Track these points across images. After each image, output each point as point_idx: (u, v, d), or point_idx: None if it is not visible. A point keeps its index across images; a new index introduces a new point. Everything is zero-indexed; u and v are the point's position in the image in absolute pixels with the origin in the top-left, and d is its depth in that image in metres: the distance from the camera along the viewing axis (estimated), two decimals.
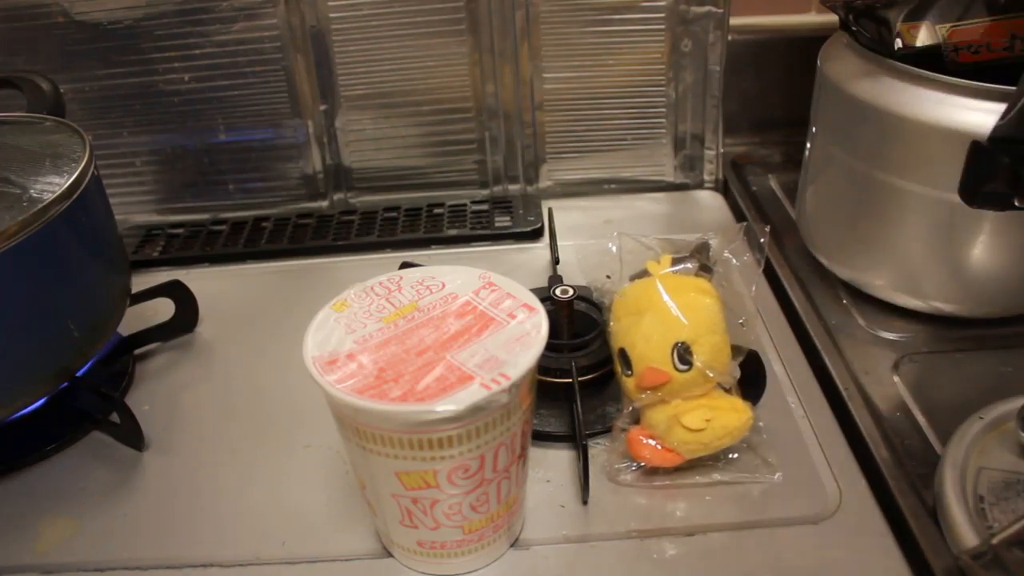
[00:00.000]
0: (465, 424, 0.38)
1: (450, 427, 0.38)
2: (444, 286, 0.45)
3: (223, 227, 0.80)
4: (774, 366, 0.59)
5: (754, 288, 0.52)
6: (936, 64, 0.55)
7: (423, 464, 0.39)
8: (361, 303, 0.44)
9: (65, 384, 0.55)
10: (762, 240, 0.52)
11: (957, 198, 0.50)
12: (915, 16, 0.57)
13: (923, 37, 0.57)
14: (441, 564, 0.45)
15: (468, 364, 0.39)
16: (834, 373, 0.57)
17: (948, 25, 0.57)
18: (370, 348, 0.40)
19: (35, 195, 0.51)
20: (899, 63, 0.56)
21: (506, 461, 0.42)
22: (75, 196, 0.53)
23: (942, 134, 0.53)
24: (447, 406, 0.37)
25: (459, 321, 0.42)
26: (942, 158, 0.53)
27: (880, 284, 0.62)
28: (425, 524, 0.43)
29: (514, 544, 0.48)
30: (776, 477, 0.50)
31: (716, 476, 0.50)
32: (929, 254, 0.58)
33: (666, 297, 0.50)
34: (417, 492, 0.41)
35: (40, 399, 0.55)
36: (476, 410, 0.38)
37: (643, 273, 0.53)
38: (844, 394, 0.56)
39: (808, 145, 0.67)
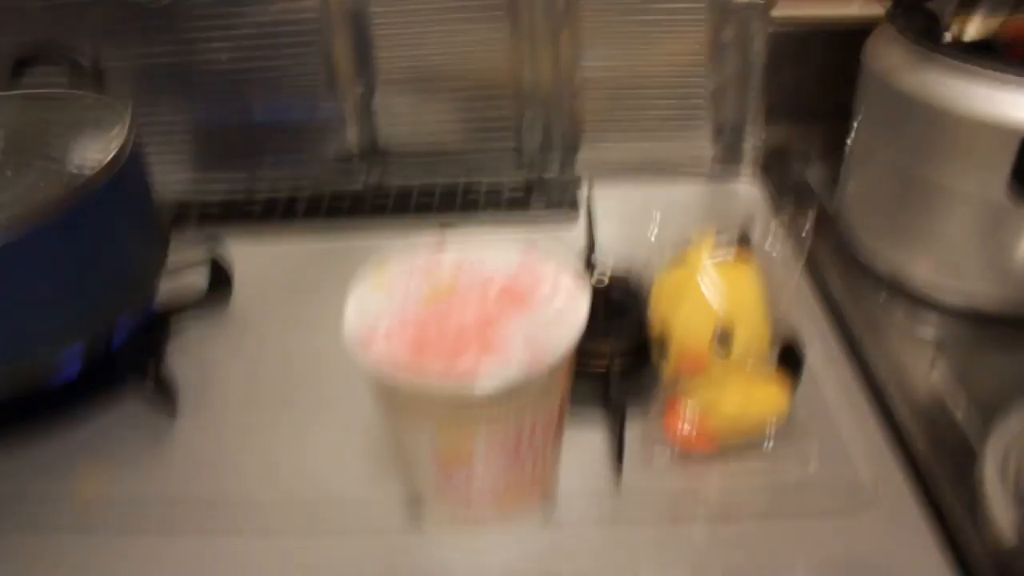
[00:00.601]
0: (503, 402, 0.38)
1: (488, 404, 0.38)
2: (484, 264, 0.45)
3: (258, 202, 0.80)
4: (812, 355, 0.57)
5: (795, 275, 0.52)
6: (985, 57, 0.54)
7: (459, 440, 0.39)
8: (400, 280, 0.44)
9: (103, 351, 0.56)
10: (807, 226, 0.52)
11: (1003, 194, 0.50)
12: (965, 8, 0.57)
13: (974, 30, 0.56)
14: (473, 535, 0.45)
15: (507, 343, 0.39)
16: (872, 365, 0.57)
17: (1001, 17, 0.56)
18: (409, 325, 0.40)
19: (75, 169, 0.52)
20: (947, 56, 0.55)
21: (542, 438, 0.42)
22: (115, 170, 0.54)
23: (991, 128, 0.52)
24: (486, 384, 0.37)
25: (498, 300, 0.42)
26: (990, 153, 0.52)
27: (921, 278, 0.61)
28: (459, 496, 0.43)
29: (546, 521, 0.48)
30: (811, 467, 0.50)
31: (750, 463, 0.50)
32: (971, 250, 0.57)
33: (706, 282, 0.50)
34: (452, 464, 0.41)
35: (79, 366, 0.55)
36: (514, 389, 0.37)
37: (683, 259, 0.52)
38: (881, 386, 0.55)
39: (850, 138, 0.66)
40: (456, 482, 0.42)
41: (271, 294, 0.69)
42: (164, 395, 0.56)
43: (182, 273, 0.65)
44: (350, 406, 0.56)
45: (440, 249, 0.46)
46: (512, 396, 0.38)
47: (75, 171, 0.52)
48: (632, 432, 0.52)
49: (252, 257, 0.73)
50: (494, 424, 0.39)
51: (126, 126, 0.57)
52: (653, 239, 0.54)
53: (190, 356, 0.62)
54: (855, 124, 0.65)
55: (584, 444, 0.53)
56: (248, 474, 0.52)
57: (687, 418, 0.50)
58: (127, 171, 0.55)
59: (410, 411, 0.39)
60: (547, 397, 0.40)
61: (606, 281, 0.56)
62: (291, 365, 0.61)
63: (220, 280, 0.66)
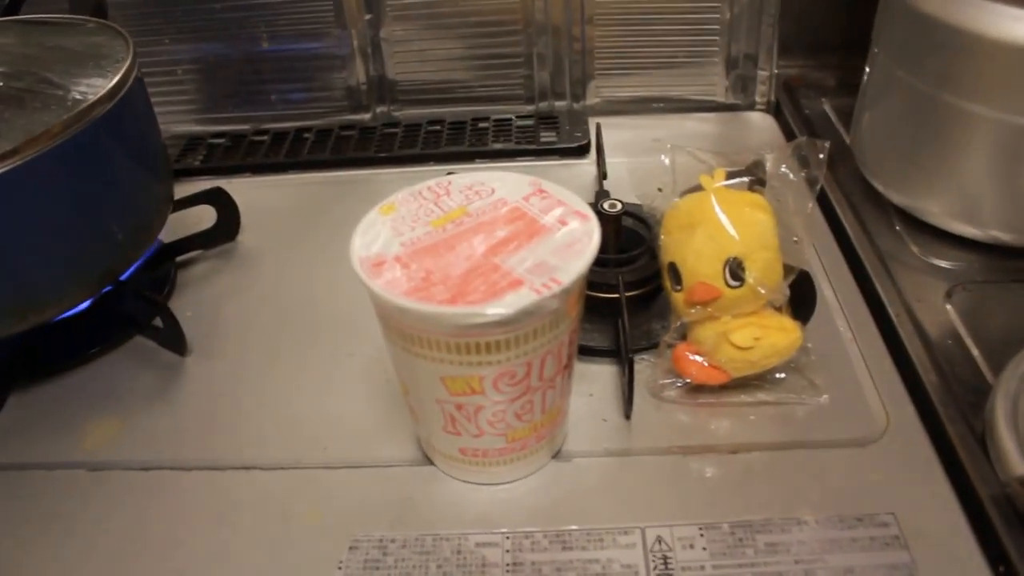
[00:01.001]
0: (513, 329, 0.38)
1: (498, 332, 0.38)
2: (494, 191, 0.44)
3: (265, 137, 0.80)
4: (824, 288, 0.58)
5: (810, 206, 0.51)
6: None
7: (469, 369, 0.39)
8: (409, 207, 0.43)
9: (109, 287, 0.56)
10: (820, 156, 0.51)
11: None
12: None
13: None
14: (483, 472, 0.46)
15: (518, 269, 0.39)
16: (885, 298, 0.56)
17: None
18: (418, 251, 0.40)
19: (78, 96, 0.51)
20: None
21: (552, 370, 0.41)
22: (118, 97, 0.53)
23: (1018, 53, 0.51)
24: (496, 309, 0.37)
25: (509, 227, 0.41)
26: (1016, 79, 0.51)
27: (936, 211, 0.60)
28: (468, 431, 0.43)
29: (556, 455, 0.48)
30: (822, 399, 0.50)
31: (761, 396, 0.50)
32: (991, 180, 0.56)
33: (719, 211, 0.49)
34: (462, 398, 0.41)
35: (85, 301, 0.55)
36: (525, 315, 0.37)
37: (696, 187, 0.52)
38: (894, 319, 0.55)
39: (868, 67, 0.65)
40: (465, 414, 0.42)
41: (278, 229, 0.68)
42: (173, 331, 0.56)
43: (188, 209, 0.65)
44: (360, 338, 0.56)
45: (449, 177, 0.46)
46: (522, 323, 0.38)
47: (78, 98, 0.51)
48: (643, 364, 0.52)
49: (259, 192, 0.73)
50: (504, 352, 0.39)
51: (129, 53, 0.56)
52: (665, 169, 0.53)
53: (199, 292, 0.62)
54: (873, 51, 0.64)
55: (595, 375, 0.53)
56: (260, 409, 0.52)
57: (698, 349, 0.50)
58: (130, 99, 0.54)
59: (418, 339, 0.39)
60: (558, 326, 0.40)
61: (618, 208, 0.55)
62: (300, 300, 0.61)
63: (227, 214, 0.66)
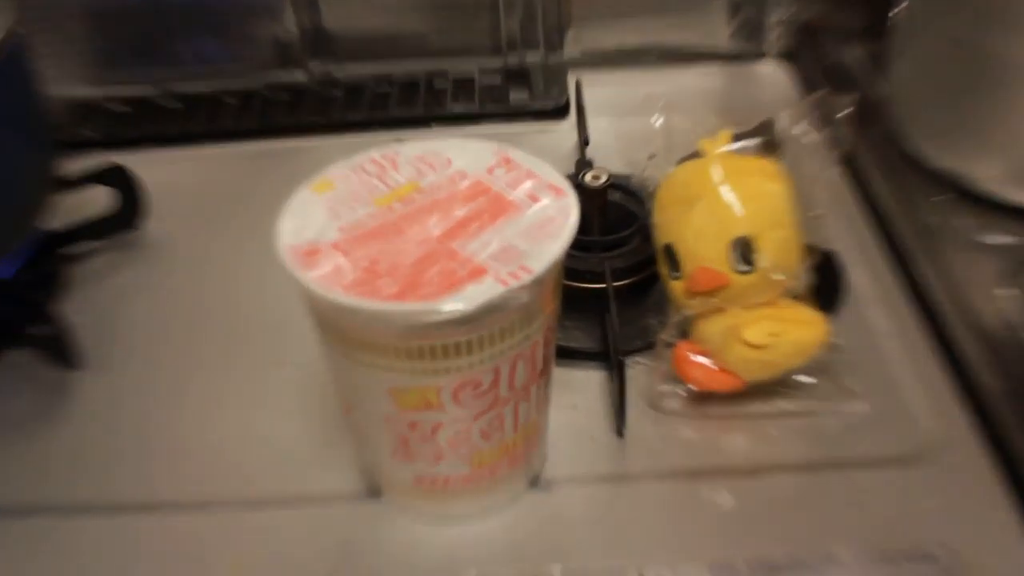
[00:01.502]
0: (476, 328, 0.38)
1: (458, 332, 0.37)
2: (451, 163, 0.44)
3: (176, 102, 0.80)
4: (854, 272, 0.58)
5: (833, 173, 0.51)
6: None
7: (424, 379, 0.39)
8: (348, 183, 0.43)
9: None
10: (845, 113, 0.51)
11: None
12: None
13: None
14: (443, 505, 0.46)
15: (481, 255, 0.38)
16: (927, 283, 0.56)
17: None
18: (360, 236, 0.40)
19: None
20: None
21: (525, 377, 0.41)
22: None
23: None
24: (455, 305, 0.36)
25: (469, 204, 0.41)
26: None
27: (989, 177, 0.60)
28: (424, 455, 0.43)
29: (533, 483, 0.48)
30: (857, 407, 0.50)
31: (782, 405, 0.50)
32: None
33: (723, 182, 0.49)
34: (415, 414, 0.41)
35: None
36: (490, 310, 0.37)
37: (695, 154, 0.52)
38: (940, 308, 0.55)
39: (898, 7, 0.65)
40: (420, 434, 0.41)
41: (192, 214, 0.68)
42: (60, 340, 0.55)
43: (82, 189, 0.64)
44: (292, 345, 0.55)
45: (397, 147, 0.45)
46: (487, 321, 0.37)
47: None
48: (637, 368, 0.52)
49: (167, 169, 0.72)
50: (465, 357, 0.38)
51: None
52: (658, 132, 0.53)
53: (93, 293, 0.62)
54: None
55: (578, 384, 0.53)
56: (170, 435, 0.52)
57: (703, 349, 0.50)
58: (11, 57, 0.53)
59: (361, 344, 0.39)
60: (530, 323, 0.39)
61: (603, 180, 0.55)
62: (220, 300, 0.60)
63: (128, 197, 0.65)
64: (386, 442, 0.43)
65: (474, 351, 0.38)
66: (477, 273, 0.37)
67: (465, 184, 0.42)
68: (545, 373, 0.43)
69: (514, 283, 0.37)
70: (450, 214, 0.41)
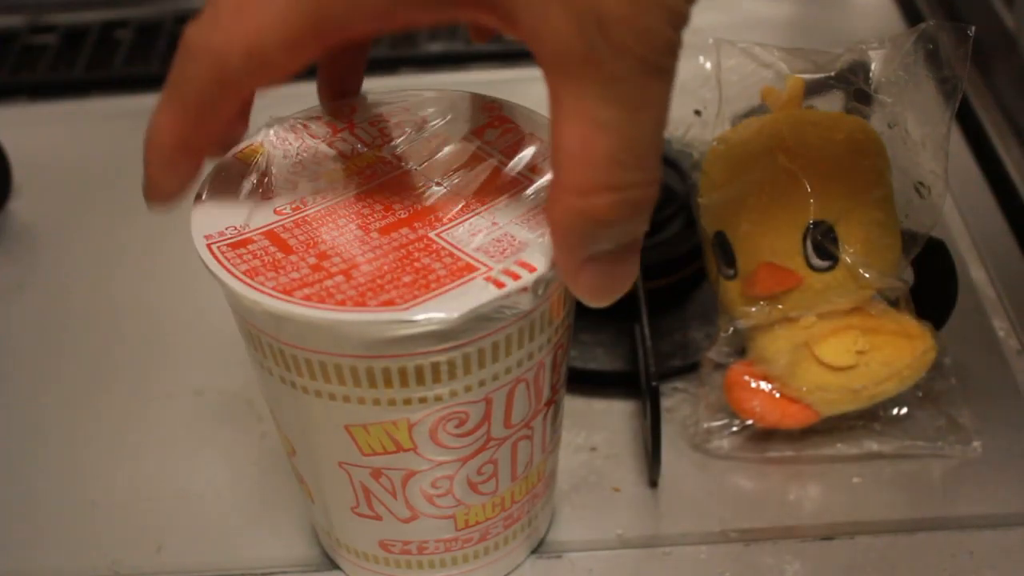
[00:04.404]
0: (461, 345, 0.37)
1: (436, 350, 0.37)
2: (426, 123, 0.44)
3: (49, 37, 0.80)
4: (972, 269, 0.59)
5: (945, 132, 0.51)
6: None
7: (391, 412, 0.39)
8: (286, 149, 0.43)
9: None
10: (963, 51, 0.50)
11: None
12: None
13: None
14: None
15: (467, 247, 0.38)
16: None
17: None
18: (304, 222, 0.40)
19: None
20: None
21: (526, 410, 0.41)
22: None
23: None
24: (432, 313, 0.36)
25: (451, 179, 0.41)
26: None
27: None
28: (394, 512, 0.43)
29: (537, 548, 0.48)
30: (973, 447, 0.50)
31: (872, 445, 0.50)
32: None
33: (794, 152, 0.49)
34: (381, 459, 0.41)
35: None
36: (479, 321, 0.37)
37: (758, 109, 0.52)
38: None
39: None
40: (388, 485, 0.41)
41: (72, 189, 0.68)
42: None
43: None
44: (215, 365, 0.56)
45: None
46: (475, 334, 0.37)
47: None
48: (677, 397, 0.53)
49: (41, 128, 0.73)
50: (446, 383, 0.38)
51: None
52: (706, 79, 0.54)
53: None
54: None
55: (599, 418, 0.53)
56: (49, 486, 0.52)
57: (765, 372, 0.50)
58: None
59: (308, 366, 0.38)
60: (533, 338, 0.40)
61: None
62: (113, 305, 0.61)
63: None
64: (343, 496, 0.43)
65: (458, 375, 0.38)
66: (462, 271, 0.37)
67: (446, 152, 0.42)
68: (553, 404, 0.43)
69: (511, 284, 0.36)
70: (426, 191, 0.40)
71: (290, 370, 0.39)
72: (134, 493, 0.52)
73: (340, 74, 0.44)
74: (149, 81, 0.76)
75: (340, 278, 0.37)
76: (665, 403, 0.51)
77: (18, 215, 0.67)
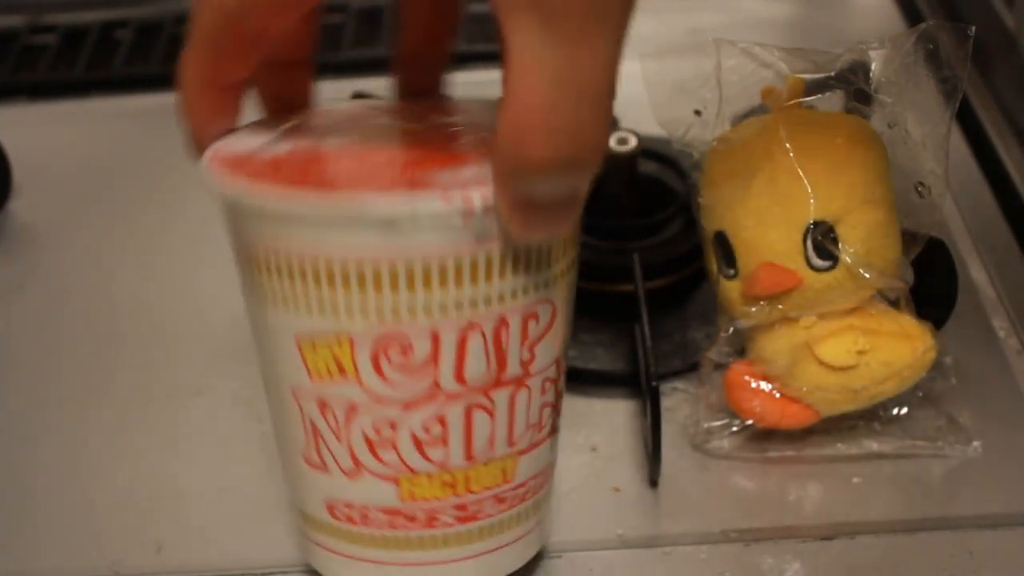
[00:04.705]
0: (402, 250, 0.37)
1: (375, 244, 0.37)
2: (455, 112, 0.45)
3: (49, 37, 0.80)
4: (972, 268, 0.59)
5: (944, 137, 0.51)
6: None
7: (334, 320, 0.39)
8: (336, 116, 0.45)
9: None
10: (964, 56, 0.50)
11: None
12: None
13: None
14: (368, 556, 0.43)
15: (441, 179, 0.38)
16: None
17: None
18: (305, 152, 0.41)
19: None
20: None
21: (482, 370, 0.40)
22: None
23: None
24: (371, 200, 0.36)
25: (462, 140, 0.42)
26: None
27: None
28: (339, 461, 0.41)
29: (536, 544, 0.47)
30: (973, 447, 0.50)
31: (872, 445, 0.50)
32: None
33: (795, 150, 0.49)
34: (326, 385, 0.40)
35: None
36: (413, 224, 0.36)
37: (758, 109, 0.52)
38: None
39: None
40: (332, 421, 0.41)
41: (75, 188, 0.68)
42: None
43: None
44: (215, 366, 0.56)
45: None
46: (413, 242, 0.37)
47: None
48: (677, 396, 0.53)
49: (42, 128, 0.73)
50: (387, 293, 0.38)
51: None
52: (707, 78, 0.53)
53: None
54: None
55: (598, 418, 0.53)
56: (50, 488, 0.52)
57: (766, 372, 0.50)
58: None
59: (266, 264, 0.39)
60: (489, 280, 0.39)
61: (631, 145, 0.55)
62: (114, 305, 0.61)
63: None
64: (296, 439, 0.42)
65: (399, 288, 0.38)
66: (424, 185, 0.37)
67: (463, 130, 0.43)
68: (524, 386, 0.41)
69: (457, 201, 0.36)
70: (434, 145, 0.42)
71: (258, 273, 0.40)
72: (134, 493, 0.52)
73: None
74: (149, 81, 0.77)
75: (316, 178, 0.39)
76: (665, 403, 0.50)
77: (18, 215, 0.67)
